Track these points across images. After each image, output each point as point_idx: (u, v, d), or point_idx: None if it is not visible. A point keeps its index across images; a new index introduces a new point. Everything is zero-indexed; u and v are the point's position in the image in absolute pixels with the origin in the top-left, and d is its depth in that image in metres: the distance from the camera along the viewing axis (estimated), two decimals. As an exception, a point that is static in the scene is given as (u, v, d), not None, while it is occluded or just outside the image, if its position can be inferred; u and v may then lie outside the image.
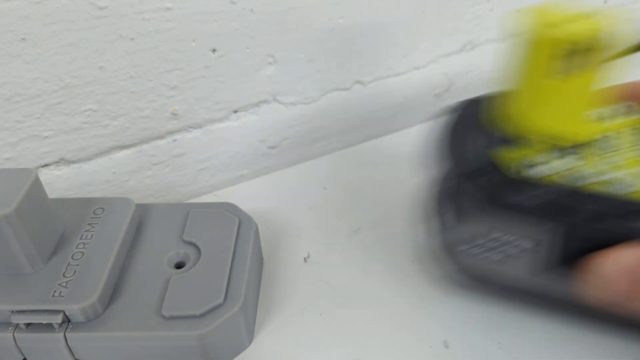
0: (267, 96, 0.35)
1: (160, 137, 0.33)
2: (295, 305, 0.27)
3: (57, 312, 0.22)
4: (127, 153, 0.33)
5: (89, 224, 0.25)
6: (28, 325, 0.22)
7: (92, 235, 0.25)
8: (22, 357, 0.23)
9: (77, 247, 0.24)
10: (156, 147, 0.33)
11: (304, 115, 0.38)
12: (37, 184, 0.23)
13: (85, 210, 0.26)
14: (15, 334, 0.22)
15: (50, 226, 0.24)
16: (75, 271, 0.23)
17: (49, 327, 0.22)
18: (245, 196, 0.34)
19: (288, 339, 0.25)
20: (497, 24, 0.42)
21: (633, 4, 0.49)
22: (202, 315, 0.23)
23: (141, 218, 0.27)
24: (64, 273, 0.23)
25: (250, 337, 0.25)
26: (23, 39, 0.26)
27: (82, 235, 0.25)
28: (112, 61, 0.29)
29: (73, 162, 0.31)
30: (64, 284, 0.23)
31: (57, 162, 0.31)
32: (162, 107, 0.32)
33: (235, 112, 0.35)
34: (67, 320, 0.22)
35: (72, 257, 0.24)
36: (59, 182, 0.32)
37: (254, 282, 0.26)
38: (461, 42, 0.42)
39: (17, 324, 0.22)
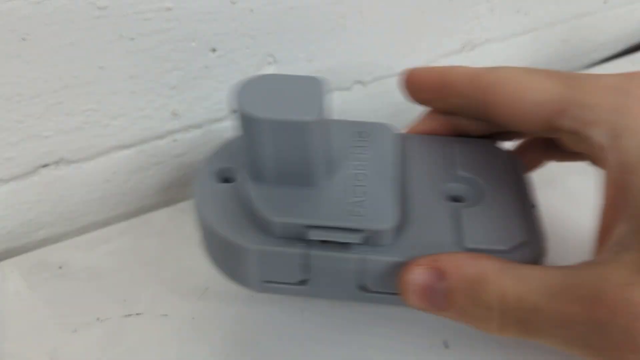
0: (267, 96, 0.35)
1: (160, 137, 0.33)
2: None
3: (356, 231, 0.21)
4: (127, 153, 0.33)
5: (358, 146, 0.24)
6: (322, 242, 0.21)
7: (367, 157, 0.24)
8: (302, 279, 0.22)
9: (356, 168, 0.23)
10: (156, 147, 0.33)
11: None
12: (326, 94, 0.22)
13: (349, 131, 0.25)
14: (308, 251, 0.21)
15: (329, 140, 0.23)
16: (364, 192, 0.22)
17: (345, 246, 0.21)
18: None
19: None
20: (497, 24, 0.42)
21: (633, 4, 0.49)
22: (510, 251, 0.21)
23: (402, 146, 0.26)
24: (353, 192, 0.22)
25: None
26: (23, 39, 0.26)
27: (356, 157, 0.24)
28: (112, 61, 0.29)
29: (73, 162, 0.31)
30: (357, 203, 0.22)
31: (57, 162, 0.31)
32: (162, 107, 0.32)
33: (235, 112, 0.35)
34: (364, 241, 0.21)
35: (355, 178, 0.23)
36: (59, 182, 0.32)
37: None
38: (461, 42, 0.42)
39: (312, 240, 0.21)
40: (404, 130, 0.27)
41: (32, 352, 0.25)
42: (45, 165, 0.31)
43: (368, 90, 0.39)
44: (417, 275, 0.20)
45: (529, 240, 0.22)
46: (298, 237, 0.21)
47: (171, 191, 0.36)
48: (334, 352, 0.25)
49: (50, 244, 0.32)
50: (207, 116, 0.34)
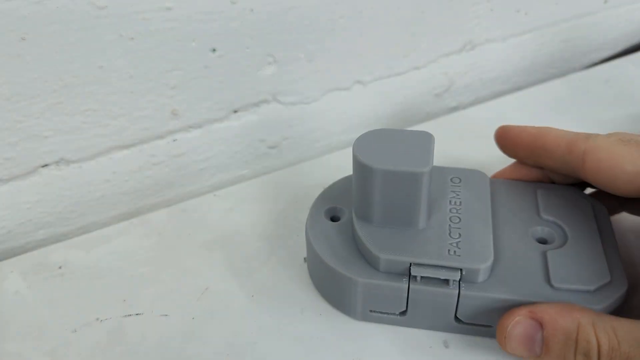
0: (267, 96, 0.35)
1: (160, 137, 0.33)
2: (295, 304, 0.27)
3: (455, 269, 0.23)
4: (127, 153, 0.33)
5: (452, 191, 0.27)
6: (423, 278, 0.24)
7: (460, 202, 0.26)
8: (401, 310, 0.25)
9: (450, 212, 0.26)
10: (156, 147, 0.33)
11: (304, 115, 0.38)
12: (434, 147, 0.24)
13: (443, 177, 0.28)
14: (410, 285, 0.24)
15: (430, 188, 0.25)
16: (459, 234, 0.25)
17: (444, 282, 0.24)
18: (245, 196, 0.34)
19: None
20: (497, 24, 0.42)
21: (633, 4, 0.49)
22: (595, 291, 0.23)
23: (492, 191, 0.28)
24: (449, 233, 0.25)
25: None
26: (23, 39, 0.26)
27: (450, 201, 0.26)
28: (112, 61, 0.29)
29: (73, 162, 0.31)
30: (454, 244, 0.24)
31: (57, 162, 0.31)
32: (162, 107, 0.32)
33: (235, 112, 0.35)
34: (461, 278, 0.24)
35: (450, 220, 0.25)
36: (59, 182, 0.32)
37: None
38: (461, 42, 0.42)
39: (415, 276, 0.24)
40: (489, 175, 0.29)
41: (32, 352, 0.26)
42: (45, 165, 0.31)
43: (368, 90, 0.39)
44: (517, 324, 0.22)
45: (612, 282, 0.24)
46: (401, 272, 0.24)
47: (171, 191, 0.36)
48: (334, 352, 0.25)
49: (50, 244, 0.32)
50: (207, 116, 0.34)
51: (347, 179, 0.29)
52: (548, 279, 0.24)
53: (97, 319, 0.27)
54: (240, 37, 0.32)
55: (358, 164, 0.24)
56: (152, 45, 0.30)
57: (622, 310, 0.24)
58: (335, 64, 0.37)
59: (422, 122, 0.42)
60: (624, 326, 0.21)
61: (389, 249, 0.24)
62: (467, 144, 0.37)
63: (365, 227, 0.25)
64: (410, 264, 0.24)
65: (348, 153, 0.38)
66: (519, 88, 0.47)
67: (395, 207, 0.24)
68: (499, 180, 0.29)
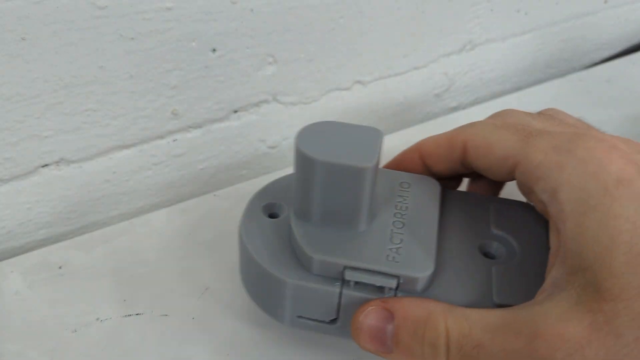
0: (267, 96, 0.35)
1: (160, 137, 0.33)
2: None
3: (392, 276, 0.22)
4: (127, 153, 0.33)
5: (399, 196, 0.25)
6: (357, 283, 0.22)
7: (407, 207, 0.25)
8: (333, 317, 0.23)
9: (395, 216, 0.24)
10: (156, 147, 0.33)
11: (304, 115, 0.38)
12: (382, 144, 0.23)
13: (392, 181, 0.26)
14: (343, 290, 0.22)
15: (375, 188, 0.24)
16: (401, 239, 0.23)
17: (379, 290, 0.22)
18: (245, 196, 0.34)
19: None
20: (497, 24, 0.42)
21: (633, 3, 0.49)
22: None
23: (443, 200, 0.27)
24: (390, 238, 0.23)
25: None
26: (23, 39, 0.26)
27: (396, 205, 0.25)
28: (112, 61, 0.29)
29: (73, 162, 0.31)
30: (394, 250, 0.23)
31: (57, 162, 0.31)
32: (162, 107, 0.32)
33: (235, 112, 0.35)
34: (397, 287, 0.22)
35: (393, 225, 0.24)
36: (59, 182, 0.32)
37: None
38: (461, 42, 0.42)
39: (349, 280, 0.22)
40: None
41: (32, 352, 0.26)
42: (45, 165, 0.31)
43: (368, 90, 0.39)
44: (369, 314, 0.21)
45: None
46: (335, 276, 0.22)
47: (171, 191, 0.36)
48: (333, 353, 0.25)
49: (50, 244, 0.32)
50: (207, 116, 0.34)
51: (292, 176, 0.26)
52: (490, 295, 0.23)
53: (97, 319, 0.27)
54: (240, 37, 0.32)
55: (300, 156, 0.22)
56: (152, 45, 0.30)
57: None
58: (335, 64, 0.37)
59: (422, 122, 0.42)
60: (477, 313, 0.20)
61: (323, 249, 0.22)
62: (467, 144, 0.37)
63: (302, 226, 0.23)
64: (344, 267, 0.22)
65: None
66: (519, 88, 0.47)
67: (335, 205, 0.23)
68: (455, 192, 0.28)
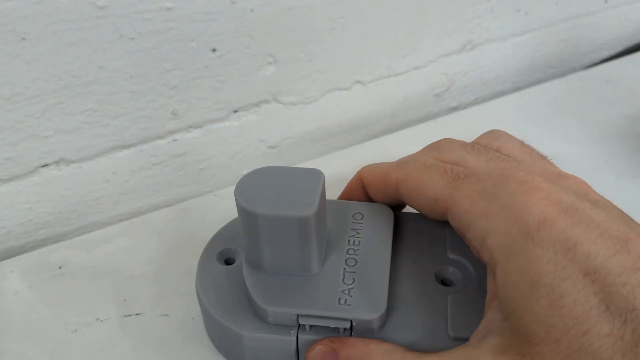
0: (267, 96, 0.35)
1: (160, 137, 0.33)
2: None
3: (345, 320, 0.22)
4: (127, 153, 0.33)
5: (352, 229, 0.25)
6: (313, 327, 0.22)
7: (360, 241, 0.25)
8: None
9: (347, 253, 0.24)
10: (156, 147, 0.33)
11: (304, 115, 0.38)
12: (324, 186, 0.23)
13: (345, 214, 0.26)
14: (299, 335, 0.22)
15: (325, 228, 0.24)
16: (354, 279, 0.23)
17: (334, 330, 0.22)
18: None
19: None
20: (497, 24, 0.42)
21: (633, 3, 0.49)
22: None
23: (400, 226, 0.26)
24: (342, 279, 0.23)
25: None
26: (23, 39, 0.26)
27: (348, 240, 0.25)
28: (112, 61, 0.29)
29: (73, 162, 0.31)
30: (346, 292, 0.22)
31: (57, 162, 0.31)
32: (162, 107, 0.32)
33: (235, 112, 0.35)
34: (351, 328, 0.22)
35: (346, 263, 0.24)
36: (59, 182, 0.32)
37: None
38: (461, 42, 0.42)
39: (303, 325, 0.22)
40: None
41: (32, 352, 0.26)
42: (45, 165, 0.31)
43: (368, 90, 0.39)
44: (317, 353, 0.22)
45: None
46: (290, 323, 0.22)
47: (171, 191, 0.36)
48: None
49: (50, 244, 0.32)
50: (207, 116, 0.34)
51: None
52: (445, 327, 0.22)
53: (97, 319, 0.27)
54: (240, 37, 0.32)
55: (241, 209, 0.22)
56: (152, 45, 0.30)
57: None
58: (335, 64, 0.37)
59: (422, 122, 0.42)
60: (416, 357, 0.21)
61: (276, 299, 0.22)
62: (467, 144, 0.37)
63: (254, 275, 0.23)
64: (298, 315, 0.22)
65: (348, 153, 0.38)
66: (519, 88, 0.47)
67: (284, 253, 0.23)
68: (409, 214, 0.27)
